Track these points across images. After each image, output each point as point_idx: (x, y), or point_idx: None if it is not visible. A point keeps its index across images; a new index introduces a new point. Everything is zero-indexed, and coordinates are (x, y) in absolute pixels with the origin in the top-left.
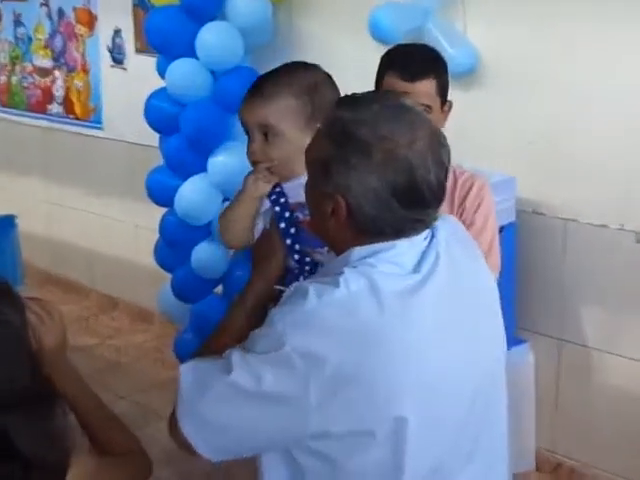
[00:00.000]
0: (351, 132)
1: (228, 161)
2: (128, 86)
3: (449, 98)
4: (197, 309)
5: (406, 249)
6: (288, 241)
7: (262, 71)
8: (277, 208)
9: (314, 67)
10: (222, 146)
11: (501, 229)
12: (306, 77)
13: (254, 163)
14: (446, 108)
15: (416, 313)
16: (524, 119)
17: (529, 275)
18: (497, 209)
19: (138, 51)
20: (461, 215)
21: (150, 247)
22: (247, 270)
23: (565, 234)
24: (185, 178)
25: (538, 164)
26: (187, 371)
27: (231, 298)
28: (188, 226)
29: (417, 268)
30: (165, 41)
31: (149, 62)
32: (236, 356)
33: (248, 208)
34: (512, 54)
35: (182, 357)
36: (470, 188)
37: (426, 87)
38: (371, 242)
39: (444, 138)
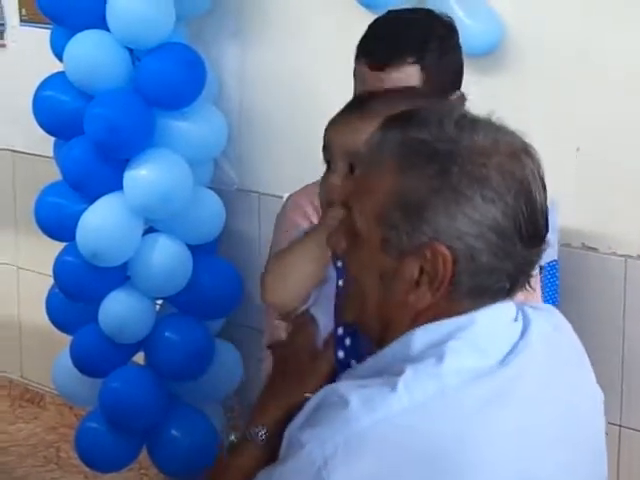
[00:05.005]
0: (448, 152)
1: (152, 176)
2: (10, 70)
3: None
4: (108, 386)
5: (490, 326)
6: (341, 354)
7: (200, 49)
8: (342, 282)
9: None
10: (143, 154)
11: (539, 270)
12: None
13: (328, 205)
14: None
15: (502, 427)
16: (569, 118)
17: (577, 334)
18: None
19: (24, 21)
20: None
21: (40, 299)
22: (179, 330)
23: (626, 277)
24: (91, 200)
25: (589, 180)
26: None
27: (157, 370)
28: (95, 269)
29: (506, 359)
30: (63, 6)
31: (40, 36)
32: None
33: (320, 259)
34: (552, 28)
35: (86, 455)
36: None
37: (403, 77)
38: (454, 312)
39: (535, 149)
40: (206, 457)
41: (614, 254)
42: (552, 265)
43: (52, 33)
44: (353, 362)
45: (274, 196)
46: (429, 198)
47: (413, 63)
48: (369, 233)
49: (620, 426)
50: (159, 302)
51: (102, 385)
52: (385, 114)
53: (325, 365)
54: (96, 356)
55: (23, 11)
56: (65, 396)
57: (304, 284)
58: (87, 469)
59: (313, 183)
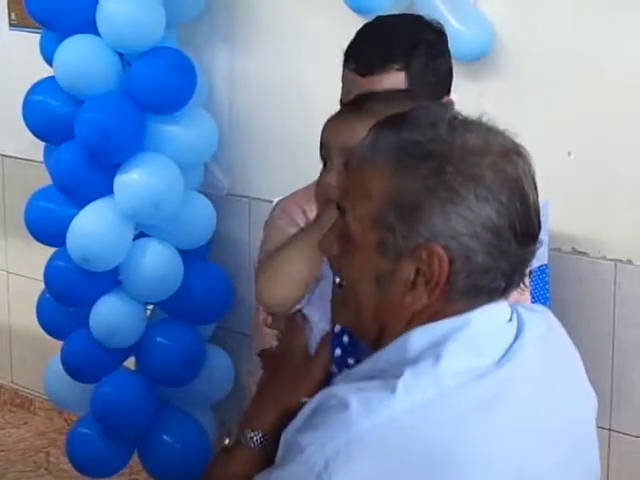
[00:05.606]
0: (441, 153)
1: (142, 180)
2: None
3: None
4: (99, 392)
5: (486, 327)
6: (338, 351)
7: (190, 53)
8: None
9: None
10: (134, 159)
11: (529, 274)
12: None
13: (324, 203)
14: None
15: (498, 428)
16: (561, 122)
17: None
18: None
19: (14, 25)
20: None
21: (30, 304)
22: (170, 335)
23: (616, 281)
24: (82, 205)
25: (579, 185)
26: None
27: (148, 375)
28: (86, 273)
29: (502, 360)
30: (53, 11)
31: (30, 41)
32: None
33: (314, 258)
34: (543, 32)
35: (77, 461)
36: None
37: (389, 82)
38: (449, 313)
39: (525, 149)
40: (197, 462)
41: (604, 258)
42: (542, 269)
43: (42, 38)
44: (350, 360)
45: (264, 201)
46: (424, 198)
47: (400, 69)
48: (364, 236)
49: (610, 430)
50: (150, 307)
51: (93, 390)
52: (382, 113)
53: (319, 367)
54: (87, 361)
55: (12, 15)
56: (56, 402)
57: (299, 283)
58: (78, 474)
59: (302, 189)
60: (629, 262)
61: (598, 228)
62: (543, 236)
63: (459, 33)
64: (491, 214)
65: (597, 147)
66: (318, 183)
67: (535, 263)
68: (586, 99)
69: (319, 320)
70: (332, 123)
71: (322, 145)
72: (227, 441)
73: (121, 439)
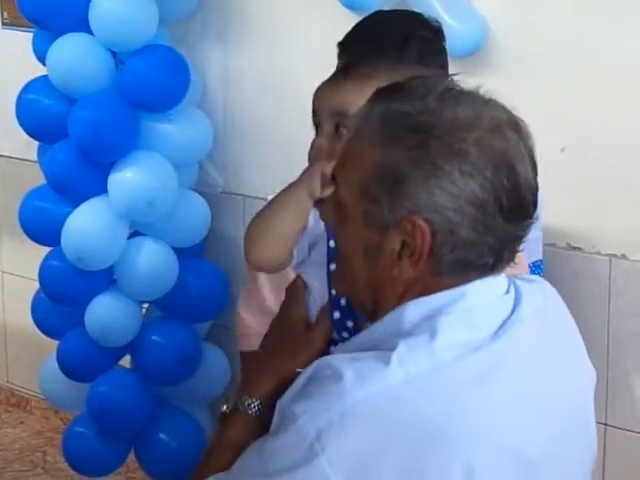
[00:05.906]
0: (428, 125)
1: (136, 179)
2: None
3: None
4: (95, 391)
5: (481, 299)
6: (336, 314)
7: (183, 51)
8: (333, 243)
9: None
10: (128, 157)
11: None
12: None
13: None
14: None
15: (494, 401)
16: (555, 117)
17: None
18: None
19: (6, 24)
20: None
21: (25, 303)
22: (166, 333)
23: (610, 276)
24: (76, 204)
25: (574, 180)
26: None
27: (144, 373)
28: (81, 272)
29: (498, 332)
30: (46, 9)
31: (23, 39)
32: None
33: (300, 212)
34: (538, 28)
35: (74, 460)
36: None
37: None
38: (441, 287)
39: (524, 123)
40: (194, 460)
41: (599, 253)
42: (537, 265)
43: (34, 36)
44: (349, 323)
45: (259, 198)
46: (409, 171)
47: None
48: (353, 206)
49: (605, 425)
50: (145, 305)
51: (89, 389)
52: (368, 75)
53: (320, 335)
54: (83, 360)
55: (5, 14)
56: (52, 401)
57: (286, 237)
58: (74, 473)
59: None
60: (624, 257)
61: (593, 224)
62: (537, 231)
63: (452, 28)
64: (475, 189)
65: (592, 144)
66: (311, 146)
67: (530, 258)
68: (579, 94)
69: (319, 287)
70: (322, 89)
71: (314, 112)
72: (225, 407)
73: (117, 438)
